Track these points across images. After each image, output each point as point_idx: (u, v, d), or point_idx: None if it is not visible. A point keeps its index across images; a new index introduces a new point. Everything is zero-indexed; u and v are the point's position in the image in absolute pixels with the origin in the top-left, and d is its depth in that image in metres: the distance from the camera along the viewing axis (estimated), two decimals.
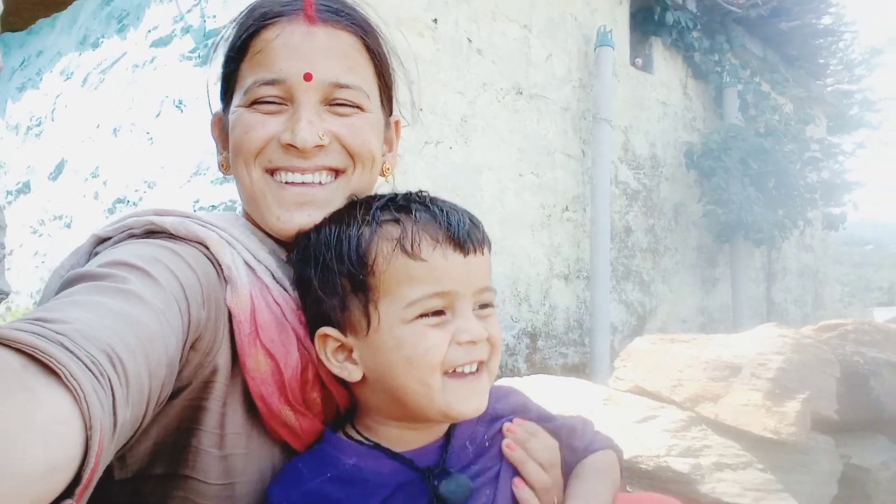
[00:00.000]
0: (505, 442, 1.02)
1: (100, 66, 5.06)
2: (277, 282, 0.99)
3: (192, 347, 0.86)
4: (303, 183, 1.01)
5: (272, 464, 0.98)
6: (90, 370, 0.58)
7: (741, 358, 1.80)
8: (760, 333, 1.89)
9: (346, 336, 0.95)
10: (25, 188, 5.86)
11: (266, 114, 1.00)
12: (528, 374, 4.02)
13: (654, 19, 6.11)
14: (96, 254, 0.92)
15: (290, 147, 0.99)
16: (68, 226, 5.23)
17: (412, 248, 0.90)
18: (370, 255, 0.92)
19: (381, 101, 1.10)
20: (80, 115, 5.24)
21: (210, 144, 1.16)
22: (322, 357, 0.96)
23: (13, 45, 6.35)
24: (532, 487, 0.99)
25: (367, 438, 0.99)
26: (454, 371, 0.92)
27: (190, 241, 0.94)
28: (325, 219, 1.00)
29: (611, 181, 5.41)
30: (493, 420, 1.04)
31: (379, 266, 0.91)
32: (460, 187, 4.34)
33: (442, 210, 0.95)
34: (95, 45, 5.15)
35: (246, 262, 0.97)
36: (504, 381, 2.27)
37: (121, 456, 0.88)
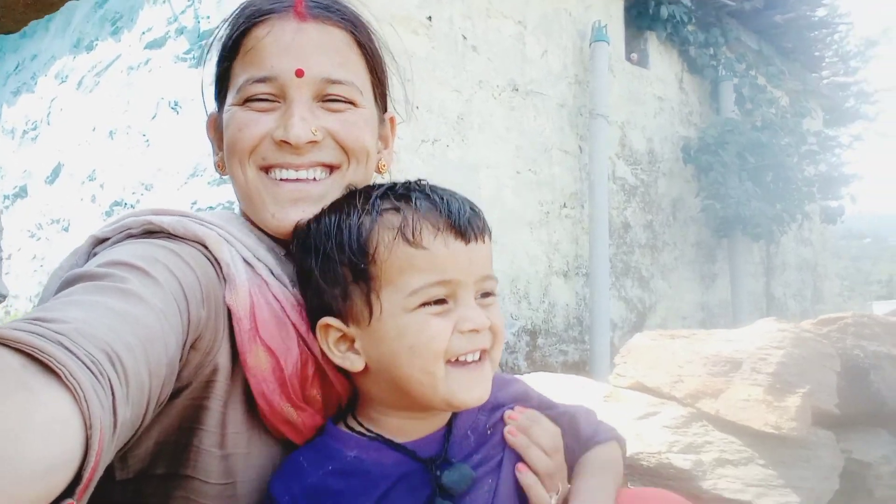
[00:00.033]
0: (507, 428, 1.02)
1: (94, 69, 5.04)
2: (276, 278, 0.99)
3: (192, 347, 0.86)
4: (297, 179, 1.01)
5: (273, 463, 0.98)
6: (90, 369, 0.58)
7: (741, 353, 1.80)
8: (760, 328, 1.89)
9: (347, 326, 0.95)
10: (23, 192, 5.85)
11: (259, 111, 1.00)
12: (529, 372, 4.02)
13: (649, 14, 6.11)
14: (95, 254, 0.92)
15: (283, 144, 0.99)
16: (66, 229, 5.22)
17: (413, 237, 0.90)
18: (371, 244, 0.91)
19: (375, 97, 1.10)
20: (75, 118, 5.22)
21: (207, 146, 1.16)
22: (324, 347, 0.96)
23: (7, 49, 6.33)
24: (536, 473, 0.98)
25: (368, 430, 0.98)
26: (457, 360, 0.92)
27: (188, 240, 0.94)
28: (324, 208, 0.99)
29: (608, 177, 5.41)
30: (494, 409, 1.04)
31: (380, 255, 0.91)
32: (458, 185, 4.27)
33: (442, 198, 0.94)
34: (90, 48, 5.14)
35: (245, 259, 0.97)
36: None
37: (122, 456, 0.88)
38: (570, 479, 1.05)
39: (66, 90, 5.38)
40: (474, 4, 4.64)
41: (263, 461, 0.97)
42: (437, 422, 1.00)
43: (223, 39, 1.06)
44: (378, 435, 0.97)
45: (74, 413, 0.54)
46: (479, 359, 0.94)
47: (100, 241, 0.95)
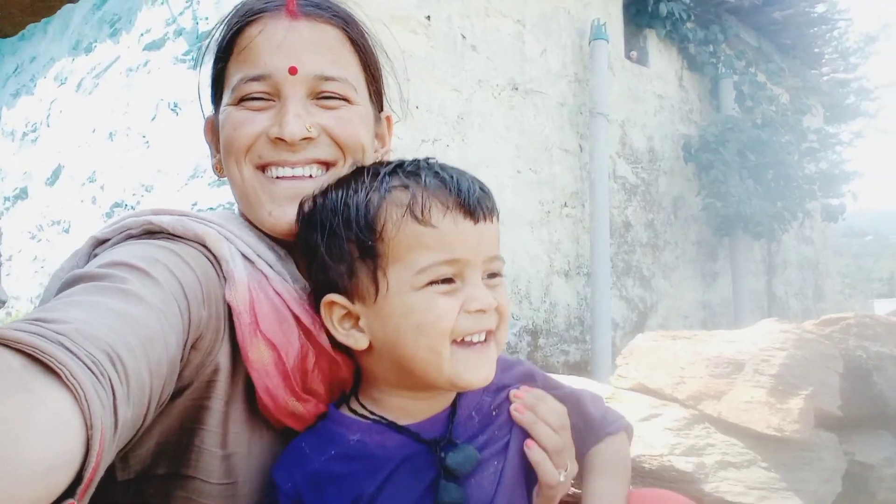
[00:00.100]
0: (513, 405, 1.02)
1: (93, 71, 5.04)
2: (277, 273, 0.99)
3: (193, 347, 0.86)
4: (293, 177, 1.01)
5: (275, 461, 0.97)
6: (90, 370, 0.58)
7: (743, 354, 1.79)
8: (762, 329, 1.88)
9: (353, 303, 0.94)
10: (23, 194, 5.85)
11: (254, 110, 1.01)
12: None
13: (648, 11, 6.09)
14: (95, 255, 0.92)
15: (278, 141, 0.99)
16: (66, 231, 5.22)
17: (422, 214, 0.89)
18: (379, 221, 0.91)
19: (370, 94, 1.10)
20: (75, 120, 5.22)
21: (206, 147, 1.16)
22: (328, 325, 0.96)
23: (6, 52, 6.33)
24: (544, 449, 0.98)
25: (371, 412, 0.98)
26: (463, 340, 0.91)
27: (188, 239, 0.94)
28: (330, 184, 0.99)
29: (609, 176, 5.40)
30: (499, 390, 1.04)
31: (388, 232, 0.90)
32: None
33: (452, 176, 0.93)
34: (88, 50, 5.13)
35: (244, 255, 0.97)
36: None
37: (123, 456, 0.88)
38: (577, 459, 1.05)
39: (65, 92, 5.38)
40: (473, 3, 4.63)
41: (265, 461, 0.97)
42: (442, 403, 0.99)
43: (218, 41, 1.07)
44: (381, 417, 0.97)
45: (75, 413, 0.54)
46: (485, 340, 0.94)
47: (100, 242, 0.95)
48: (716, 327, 6.41)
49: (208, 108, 1.15)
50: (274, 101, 1.01)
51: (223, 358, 0.92)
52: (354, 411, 0.99)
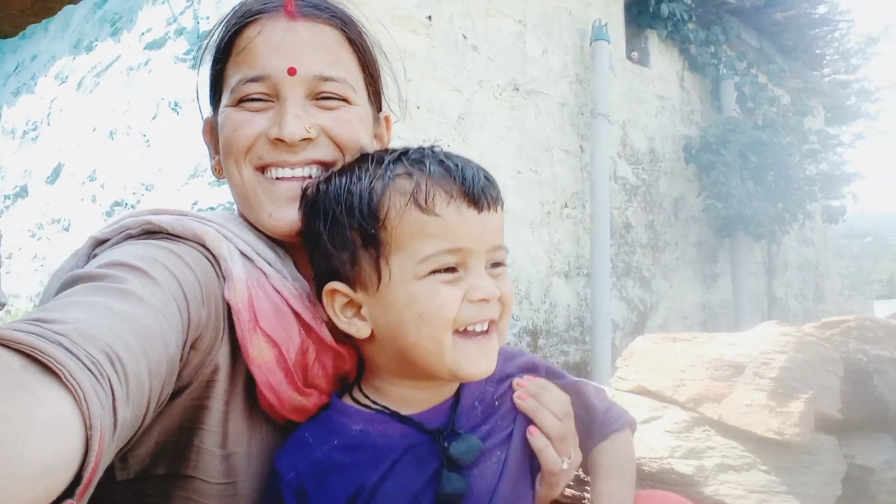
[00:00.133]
0: (517, 393, 1.02)
1: (94, 70, 5.04)
2: (277, 272, 0.99)
3: (192, 347, 0.86)
4: (293, 178, 1.01)
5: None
6: (89, 370, 0.58)
7: (744, 357, 1.79)
8: (763, 332, 1.88)
9: (355, 291, 0.94)
10: (23, 192, 5.84)
11: (253, 111, 1.01)
12: None
13: (650, 12, 6.09)
14: (95, 255, 0.93)
15: (278, 142, 0.99)
16: (66, 229, 5.21)
17: (426, 203, 0.89)
18: (382, 209, 0.90)
19: (368, 94, 1.10)
20: (75, 118, 5.21)
21: (206, 147, 1.16)
22: (330, 313, 0.96)
23: (6, 50, 6.33)
24: (547, 437, 0.99)
25: (374, 402, 0.98)
26: (465, 330, 0.91)
27: (187, 239, 0.94)
28: (333, 171, 0.99)
29: (610, 177, 5.40)
30: (501, 380, 1.04)
31: (391, 220, 0.90)
32: None
33: (456, 165, 0.93)
34: (89, 49, 5.13)
35: (243, 253, 0.97)
36: None
37: (122, 457, 0.89)
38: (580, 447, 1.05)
39: (66, 91, 5.37)
40: (474, 3, 4.62)
41: (264, 461, 0.97)
42: (444, 393, 0.99)
43: (216, 42, 1.07)
44: (384, 407, 0.97)
45: (74, 413, 0.54)
46: (487, 330, 0.93)
47: (100, 243, 0.95)
48: (716, 328, 6.42)
49: (207, 110, 1.15)
50: (273, 101, 1.01)
51: (223, 358, 0.92)
52: (357, 401, 0.99)
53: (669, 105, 6.43)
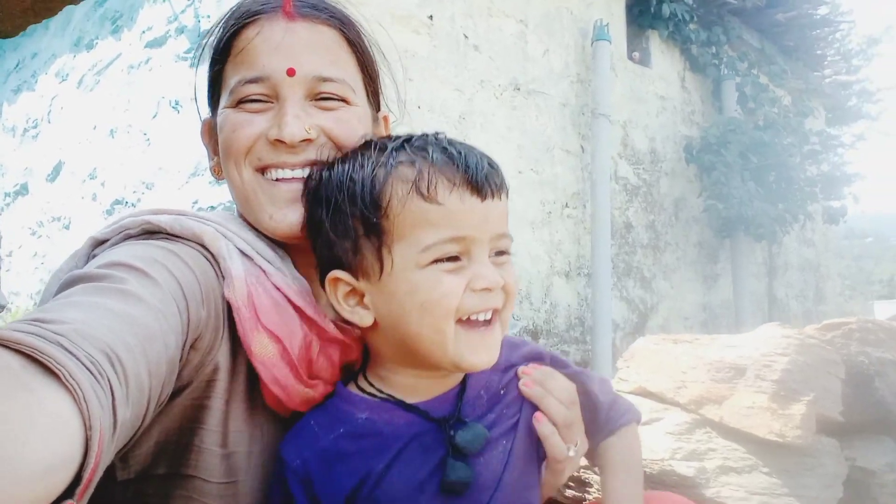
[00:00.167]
0: (522, 381, 1.02)
1: (95, 68, 5.03)
2: (277, 269, 0.99)
3: (192, 347, 0.86)
4: (293, 178, 1.01)
5: (275, 461, 0.98)
6: (89, 370, 0.58)
7: (745, 359, 1.78)
8: (764, 333, 1.87)
9: (357, 280, 0.94)
10: (23, 190, 5.84)
11: (252, 112, 1.01)
12: None
13: (651, 12, 6.08)
14: (94, 256, 0.93)
15: (278, 143, 0.99)
16: (67, 227, 5.21)
17: (428, 191, 0.88)
18: (384, 198, 0.89)
19: (367, 95, 1.10)
20: (76, 116, 5.21)
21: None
22: (333, 301, 0.96)
23: (7, 48, 6.32)
24: (553, 423, 0.99)
25: (379, 390, 0.98)
26: (468, 319, 0.90)
27: (186, 239, 0.94)
28: (336, 157, 0.98)
29: (610, 177, 5.39)
30: (507, 369, 1.03)
31: (393, 209, 0.89)
32: None
33: (460, 152, 0.92)
34: (90, 47, 5.12)
35: (242, 252, 0.97)
36: None
37: (123, 456, 0.88)
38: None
39: (66, 88, 5.37)
40: (475, 3, 4.62)
41: (265, 460, 0.97)
42: (450, 381, 0.99)
43: (214, 43, 1.07)
44: (389, 395, 0.97)
45: (74, 414, 0.54)
46: (490, 320, 0.93)
47: (99, 243, 0.95)
48: (716, 329, 6.42)
49: (205, 111, 1.15)
50: (272, 102, 1.01)
51: (223, 357, 0.92)
52: (362, 389, 0.99)
53: (670, 105, 6.42)
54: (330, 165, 0.98)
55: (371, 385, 0.99)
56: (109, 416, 0.59)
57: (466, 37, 4.53)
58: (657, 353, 2.05)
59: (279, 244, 1.04)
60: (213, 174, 1.14)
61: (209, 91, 1.11)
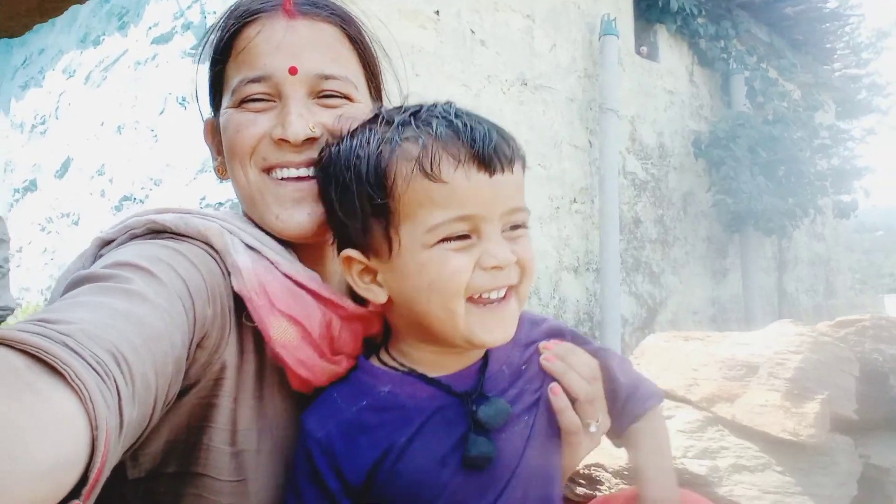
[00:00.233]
0: (544, 356, 1.00)
1: (102, 64, 5.04)
2: (286, 259, 0.99)
3: (198, 345, 0.86)
4: (298, 178, 1.00)
5: (284, 460, 0.98)
6: (95, 370, 0.58)
7: (758, 357, 1.77)
8: (776, 331, 1.86)
9: (368, 259, 0.93)
10: (32, 186, 5.86)
11: (255, 112, 1.00)
12: None
13: (659, 6, 6.05)
14: (101, 256, 0.92)
15: (282, 142, 0.98)
16: (76, 223, 5.23)
17: (431, 169, 0.85)
18: (389, 177, 0.87)
19: (370, 91, 1.10)
20: (84, 113, 5.22)
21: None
22: (348, 279, 0.95)
23: (14, 44, 6.34)
24: (575, 398, 0.98)
25: (401, 364, 0.97)
26: (480, 297, 0.89)
27: (192, 237, 0.94)
28: (350, 131, 0.97)
29: (619, 172, 5.37)
30: (528, 345, 1.02)
31: (398, 188, 0.87)
32: None
33: (466, 125, 0.88)
34: (97, 43, 5.13)
35: (248, 245, 0.97)
36: None
37: (133, 455, 0.89)
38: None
39: (73, 85, 5.38)
40: None
41: (275, 458, 0.97)
42: (472, 356, 0.98)
43: (214, 43, 1.06)
44: (411, 369, 0.96)
45: (80, 414, 0.54)
46: (504, 296, 0.91)
47: (105, 243, 0.95)
48: (726, 324, 6.39)
49: (206, 111, 1.15)
50: (275, 101, 1.00)
51: (230, 356, 0.92)
52: (384, 363, 0.99)
53: (679, 100, 6.39)
54: (339, 140, 0.96)
55: (393, 359, 0.98)
56: (116, 415, 0.59)
57: (473, 32, 4.51)
58: (667, 351, 2.04)
59: (286, 243, 1.04)
60: (217, 174, 1.14)
61: (211, 91, 1.10)
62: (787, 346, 1.74)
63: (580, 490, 1.76)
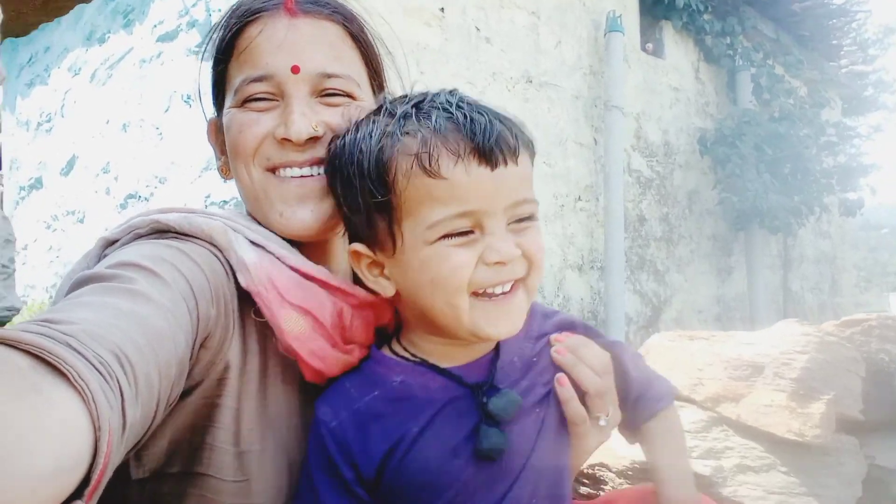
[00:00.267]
0: (554, 348, 0.99)
1: (107, 62, 5.04)
2: (291, 254, 0.98)
3: (202, 345, 0.86)
4: (301, 176, 1.00)
5: (288, 460, 0.98)
6: (98, 370, 0.58)
7: (763, 357, 1.76)
8: (782, 331, 1.85)
9: (374, 254, 0.93)
10: (38, 183, 5.87)
11: (258, 111, 1.00)
12: None
13: (664, 2, 6.03)
14: (105, 256, 0.92)
15: (285, 142, 0.98)
16: (81, 221, 5.24)
17: (430, 165, 0.84)
18: (390, 173, 0.87)
19: (373, 89, 1.09)
20: (89, 110, 5.23)
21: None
22: (357, 272, 0.96)
23: (19, 42, 6.34)
24: (585, 392, 0.97)
25: (413, 355, 0.97)
26: (484, 291, 0.88)
27: (196, 237, 0.93)
28: (355, 122, 0.96)
29: (624, 169, 5.36)
30: (539, 337, 1.02)
31: (399, 184, 0.86)
32: None
33: (466, 116, 0.86)
34: (102, 41, 5.13)
35: (253, 242, 0.96)
36: None
37: (137, 455, 0.89)
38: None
39: (79, 83, 5.38)
40: None
41: (278, 458, 0.97)
42: (483, 348, 0.98)
43: (216, 42, 1.06)
44: (423, 360, 0.96)
45: (83, 415, 0.54)
46: (511, 290, 0.90)
47: (109, 243, 0.95)
48: (730, 322, 6.38)
49: (210, 111, 1.15)
50: (278, 100, 1.00)
51: (234, 356, 0.92)
52: (396, 353, 0.99)
53: (684, 97, 6.37)
54: (345, 132, 0.96)
55: (405, 349, 0.98)
56: (119, 416, 0.59)
57: (478, 29, 4.50)
58: (672, 350, 2.03)
59: (290, 242, 1.04)
60: (220, 174, 1.14)
61: (214, 91, 1.10)
62: (793, 346, 1.74)
63: (584, 490, 1.76)
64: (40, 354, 0.55)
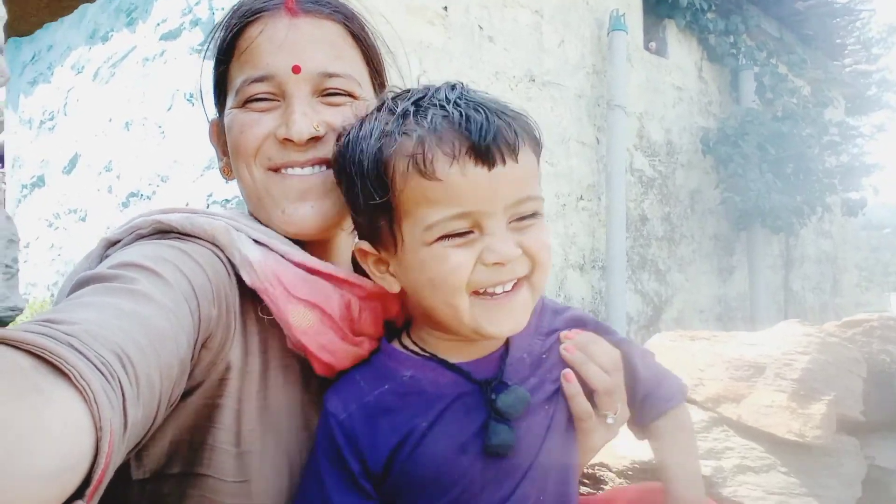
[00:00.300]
0: (563, 345, 0.99)
1: (110, 60, 5.04)
2: (294, 250, 0.98)
3: (203, 346, 0.86)
4: (303, 176, 1.00)
5: (289, 461, 0.97)
6: (99, 371, 0.58)
7: (765, 357, 1.76)
8: (784, 331, 1.85)
9: (379, 252, 0.93)
10: (40, 182, 5.88)
11: (259, 112, 1.00)
12: None
13: (668, 1, 6.02)
14: (107, 256, 0.92)
15: (286, 142, 0.98)
16: (83, 219, 5.24)
17: (425, 166, 0.82)
18: (388, 173, 0.86)
19: (374, 88, 1.09)
20: (92, 109, 5.23)
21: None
22: (365, 268, 0.96)
23: (23, 40, 6.35)
24: (594, 390, 0.97)
25: (422, 349, 0.97)
26: (485, 291, 0.87)
27: (198, 237, 0.94)
28: (362, 117, 0.96)
29: (626, 169, 5.36)
30: (549, 334, 1.01)
31: (397, 185, 0.86)
32: None
33: (463, 114, 0.84)
34: (105, 39, 5.14)
35: (256, 240, 0.97)
36: None
37: (137, 455, 0.89)
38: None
39: (82, 81, 5.39)
40: None
41: (279, 459, 0.97)
42: (492, 344, 0.97)
43: (217, 43, 1.06)
44: (433, 354, 0.96)
45: (85, 415, 0.54)
46: (513, 289, 0.89)
47: (111, 244, 0.95)
48: (732, 322, 6.37)
49: (210, 109, 1.15)
50: (279, 101, 1.00)
51: (235, 356, 0.92)
52: (406, 347, 0.99)
53: (687, 96, 6.36)
54: (350, 129, 0.95)
55: (415, 343, 0.98)
56: (120, 416, 0.59)
57: (481, 28, 4.50)
58: (673, 350, 2.03)
59: (293, 241, 1.04)
60: (222, 174, 1.14)
61: (215, 91, 1.10)
62: (795, 347, 1.74)
63: (584, 489, 1.76)
64: (42, 354, 0.55)
